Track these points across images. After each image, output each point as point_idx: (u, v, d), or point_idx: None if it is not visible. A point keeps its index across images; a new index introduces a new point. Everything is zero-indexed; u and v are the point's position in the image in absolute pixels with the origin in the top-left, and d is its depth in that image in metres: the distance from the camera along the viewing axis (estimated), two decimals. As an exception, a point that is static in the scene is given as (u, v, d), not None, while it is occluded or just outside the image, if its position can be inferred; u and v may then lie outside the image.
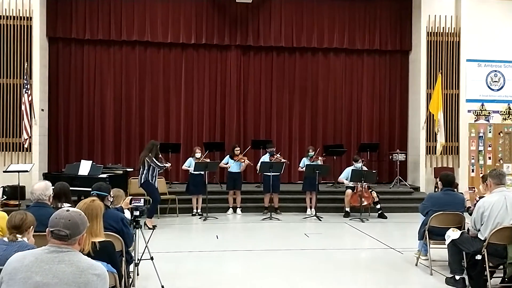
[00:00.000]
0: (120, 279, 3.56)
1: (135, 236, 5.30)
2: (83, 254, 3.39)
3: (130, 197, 5.14)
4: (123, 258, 4.58)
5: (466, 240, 5.48)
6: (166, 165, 9.59)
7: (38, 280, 2.37)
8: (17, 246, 3.52)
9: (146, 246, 5.60)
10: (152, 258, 5.46)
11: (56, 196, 5.21)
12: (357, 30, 13.14)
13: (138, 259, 5.30)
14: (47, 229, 2.51)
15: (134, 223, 5.11)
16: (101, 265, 2.55)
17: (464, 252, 5.52)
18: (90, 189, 5.00)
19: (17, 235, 3.68)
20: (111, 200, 4.81)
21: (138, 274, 5.81)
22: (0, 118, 11.33)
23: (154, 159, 9.11)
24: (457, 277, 5.56)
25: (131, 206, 5.11)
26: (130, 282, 5.23)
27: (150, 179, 9.15)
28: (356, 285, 5.82)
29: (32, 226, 3.63)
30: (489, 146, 12.87)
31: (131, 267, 5.19)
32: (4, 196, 10.56)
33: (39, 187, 4.72)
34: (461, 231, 5.68)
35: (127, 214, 5.21)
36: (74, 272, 2.41)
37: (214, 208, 10.71)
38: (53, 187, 5.34)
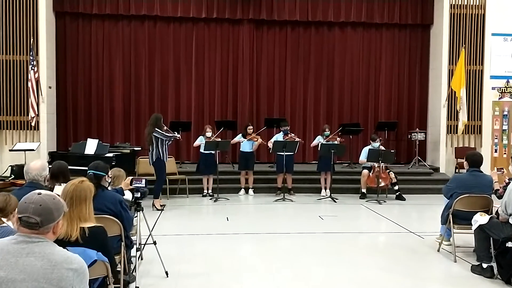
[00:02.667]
0: (113, 267, 3.21)
1: (138, 220, 4.97)
2: (71, 241, 3.07)
3: (131, 177, 4.78)
4: (122, 243, 4.25)
5: (496, 226, 5.04)
6: (176, 135, 9.22)
7: (2, 275, 2.00)
8: (1, 231, 3.20)
9: (150, 232, 5.27)
10: (155, 243, 5.12)
11: (53, 176, 4.89)
12: (375, 2, 12.51)
13: (139, 244, 4.96)
14: (15, 215, 2.15)
15: (136, 205, 4.77)
16: (79, 258, 2.18)
17: (492, 239, 5.09)
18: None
19: (2, 219, 3.37)
20: (109, 181, 4.45)
21: (142, 259, 5.52)
22: (7, 96, 11.10)
23: (160, 131, 8.75)
24: (485, 265, 5.13)
25: (132, 187, 4.75)
26: (133, 267, 4.92)
27: (161, 156, 8.78)
28: (373, 271, 5.42)
29: (16, 209, 3.28)
30: (514, 125, 12.28)
31: (133, 251, 4.86)
32: (12, 175, 10.34)
33: (35, 167, 4.37)
34: (490, 216, 5.22)
35: (128, 196, 4.86)
36: (45, 267, 2.04)
37: (226, 188, 10.38)
38: (50, 167, 5.06)
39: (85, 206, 3.14)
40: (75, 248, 2.97)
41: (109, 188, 4.78)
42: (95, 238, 3.12)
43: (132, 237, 4.79)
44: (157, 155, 8.78)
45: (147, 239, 5.26)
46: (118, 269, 4.19)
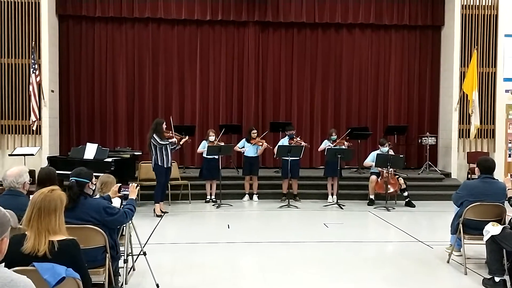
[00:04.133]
0: (87, 284, 2.95)
1: (127, 229, 4.73)
2: (38, 256, 2.82)
3: (119, 184, 4.52)
4: (107, 255, 3.99)
5: (509, 236, 4.69)
6: (173, 140, 8.75)
7: None
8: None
9: (139, 242, 5.02)
10: (144, 254, 4.86)
11: (40, 182, 4.67)
12: (384, 3, 12.18)
13: (127, 255, 4.70)
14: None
15: (124, 214, 4.50)
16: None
17: (505, 251, 4.75)
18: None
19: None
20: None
21: (134, 269, 5.26)
22: (9, 100, 10.98)
23: (157, 138, 8.49)
24: (497, 279, 4.79)
25: (120, 194, 4.49)
26: (123, 280, 4.67)
27: (160, 161, 8.54)
28: (378, 284, 5.11)
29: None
30: (529, 130, 11.87)
31: (121, 263, 4.60)
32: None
33: (12, 173, 4.14)
34: (503, 226, 4.88)
35: (117, 203, 4.59)
36: (-16, 291, 1.79)
37: (229, 194, 10.12)
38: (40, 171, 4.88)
39: (54, 218, 2.88)
40: (43, 264, 2.72)
41: (97, 195, 4.55)
42: (65, 252, 2.86)
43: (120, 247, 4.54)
44: (155, 161, 8.57)
45: (140, 251, 4.99)
46: (101, 282, 3.95)
